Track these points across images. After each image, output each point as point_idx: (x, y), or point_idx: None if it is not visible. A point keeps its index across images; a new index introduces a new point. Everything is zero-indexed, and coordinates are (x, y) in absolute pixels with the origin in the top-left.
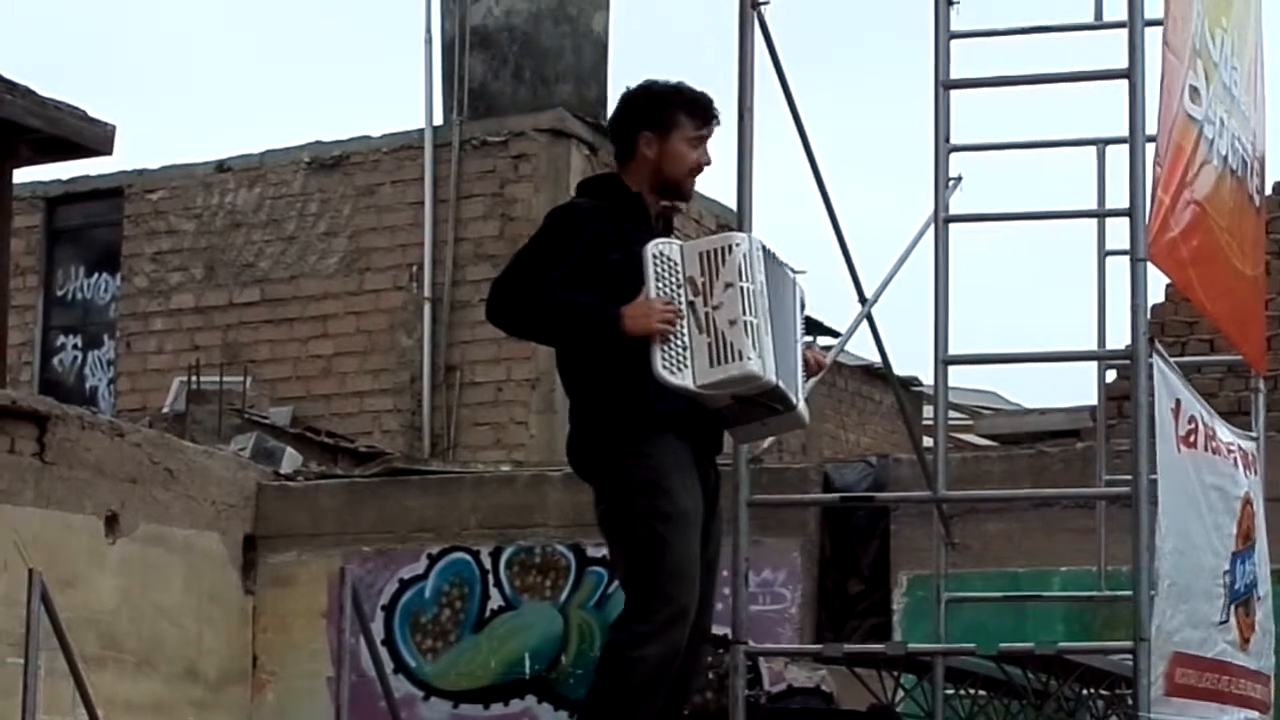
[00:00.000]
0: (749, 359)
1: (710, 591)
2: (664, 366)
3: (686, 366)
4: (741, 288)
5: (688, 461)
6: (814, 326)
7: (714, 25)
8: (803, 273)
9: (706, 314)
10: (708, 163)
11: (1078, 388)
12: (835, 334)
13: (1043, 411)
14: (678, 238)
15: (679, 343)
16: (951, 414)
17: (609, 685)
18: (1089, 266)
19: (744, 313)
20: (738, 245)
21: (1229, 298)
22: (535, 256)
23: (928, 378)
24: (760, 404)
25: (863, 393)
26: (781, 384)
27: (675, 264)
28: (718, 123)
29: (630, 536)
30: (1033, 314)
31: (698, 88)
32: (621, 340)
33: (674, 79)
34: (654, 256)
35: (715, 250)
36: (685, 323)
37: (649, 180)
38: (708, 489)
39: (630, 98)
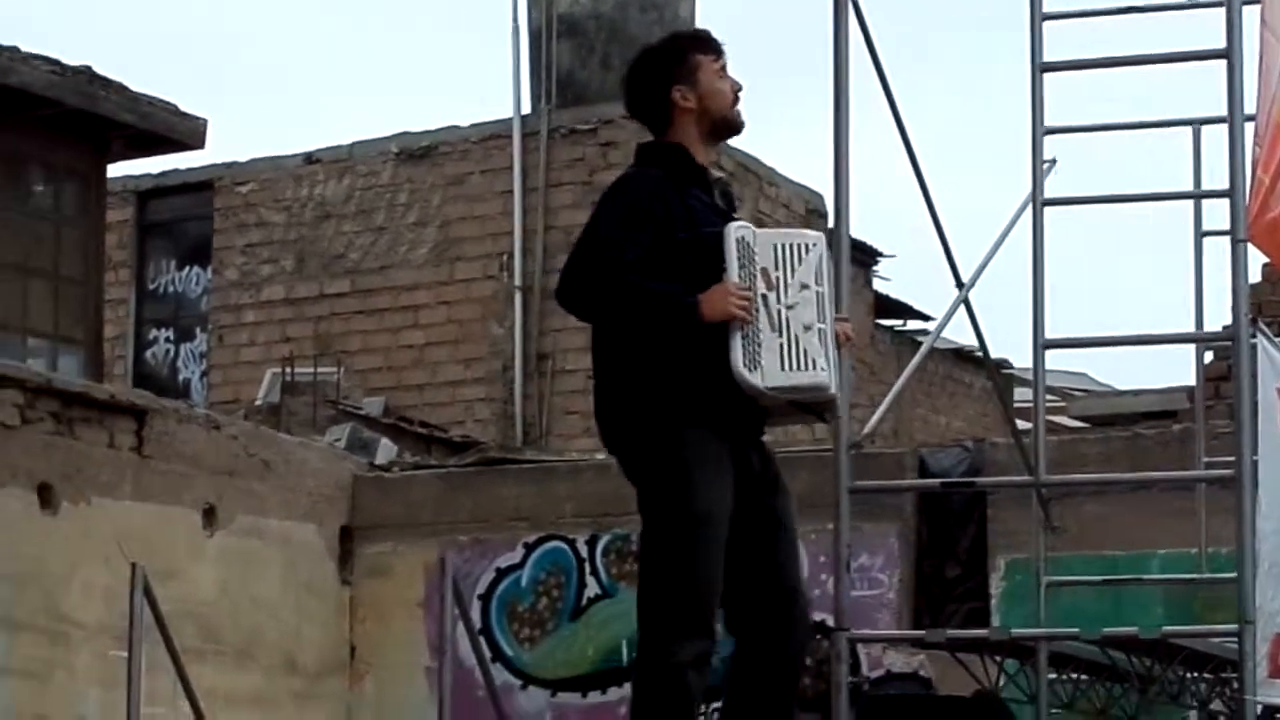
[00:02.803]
0: (822, 370)
1: (793, 564)
2: (744, 363)
3: (760, 365)
4: (817, 292)
5: (720, 455)
6: (906, 311)
7: (800, 10)
8: (892, 256)
9: (779, 312)
10: (741, 87)
11: (1170, 368)
12: (926, 318)
13: (1136, 393)
14: (760, 224)
15: (754, 338)
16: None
17: (648, 697)
18: (1180, 248)
19: (819, 319)
20: (814, 246)
21: None
22: (609, 239)
23: (1020, 361)
24: (810, 409)
25: (954, 376)
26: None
27: (753, 251)
28: (725, 50)
29: (651, 533)
30: (1123, 296)
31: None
32: (698, 328)
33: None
34: (737, 241)
35: (792, 246)
36: (759, 317)
37: (699, 131)
38: (751, 475)
39: (641, 69)
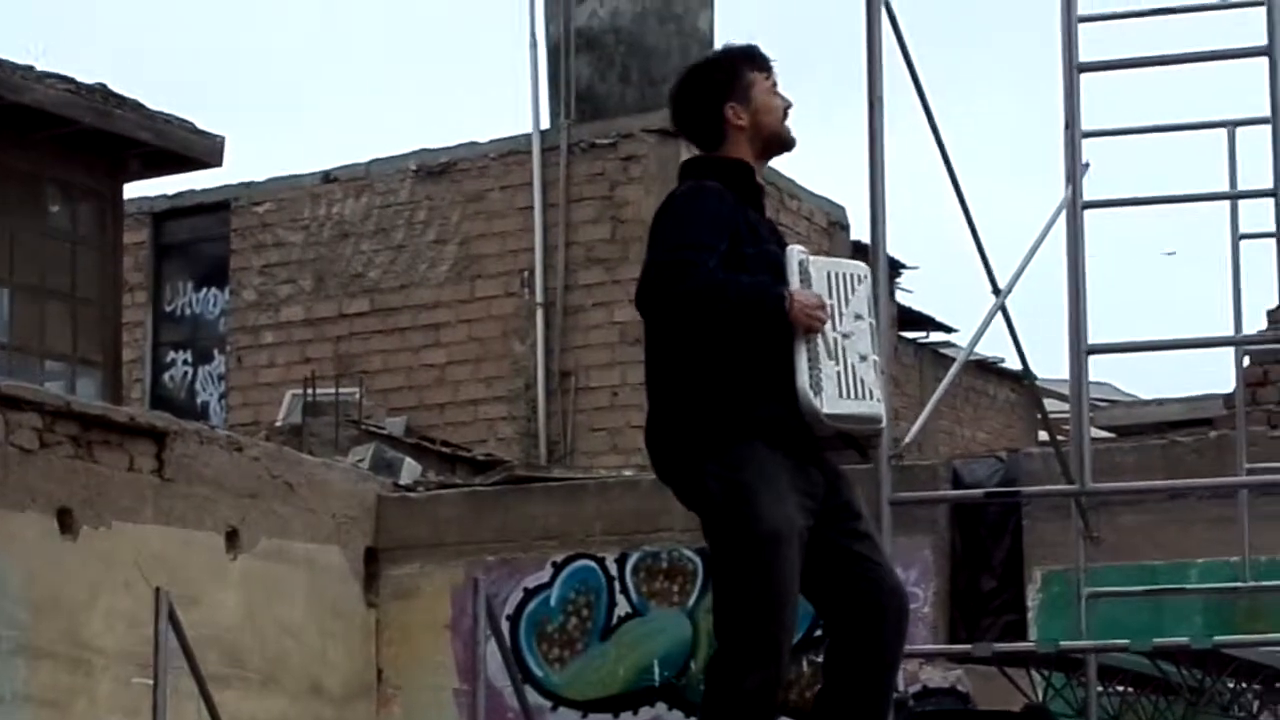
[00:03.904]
0: (878, 400)
1: (878, 555)
2: (810, 384)
3: (821, 390)
4: (870, 323)
5: (779, 469)
6: (928, 323)
7: (818, 21)
8: (915, 268)
9: (835, 340)
10: (791, 104)
11: (1194, 376)
12: (949, 329)
13: (1160, 402)
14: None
15: (816, 362)
16: (1065, 408)
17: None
18: (1203, 253)
19: (873, 350)
20: (864, 278)
21: None
22: (695, 242)
23: (1046, 370)
24: (854, 442)
25: (977, 387)
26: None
27: (810, 276)
28: (775, 66)
29: (720, 560)
30: (1143, 303)
31: (735, 43)
32: (780, 326)
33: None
34: (800, 263)
35: (846, 275)
36: (818, 343)
37: (751, 149)
38: (815, 488)
39: (691, 84)
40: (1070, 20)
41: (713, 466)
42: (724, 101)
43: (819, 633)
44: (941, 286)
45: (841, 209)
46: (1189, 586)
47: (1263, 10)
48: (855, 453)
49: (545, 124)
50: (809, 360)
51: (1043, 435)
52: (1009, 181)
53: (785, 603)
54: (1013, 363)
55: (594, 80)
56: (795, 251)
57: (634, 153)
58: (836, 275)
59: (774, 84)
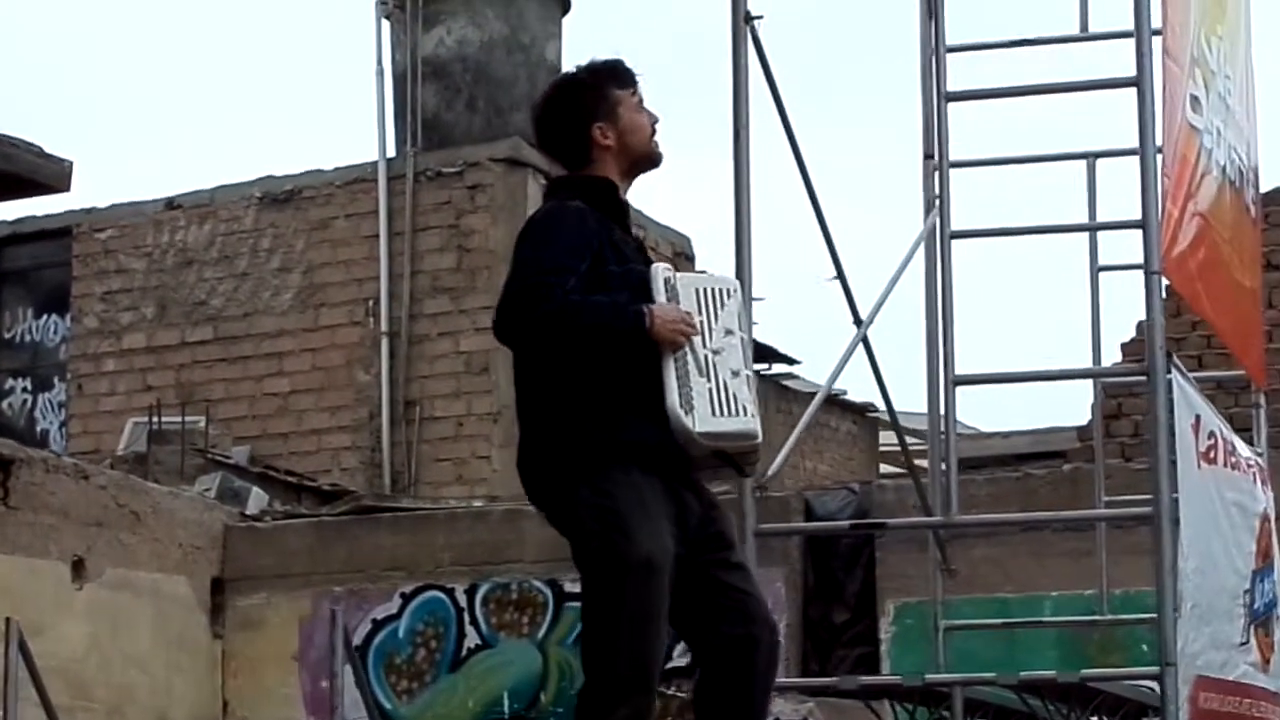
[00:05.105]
0: (753, 416)
1: (750, 587)
2: (680, 404)
3: (693, 408)
4: (741, 338)
5: (653, 495)
6: (771, 354)
7: (664, 52)
8: (760, 300)
9: (706, 357)
10: (658, 119)
11: (1033, 409)
12: (792, 361)
13: (1006, 434)
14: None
15: (685, 380)
16: (914, 440)
17: None
18: (1055, 283)
19: (745, 365)
20: (734, 292)
21: (1232, 311)
22: (552, 267)
23: (900, 402)
24: (731, 460)
25: (820, 420)
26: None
27: (677, 293)
28: (640, 81)
29: (589, 587)
30: (986, 335)
31: (599, 58)
32: (643, 343)
33: (570, 71)
34: (665, 280)
35: (715, 290)
36: (687, 360)
37: (619, 169)
38: (689, 515)
39: (557, 104)
40: (938, 50)
41: (585, 493)
42: (591, 122)
43: (671, 664)
44: (781, 318)
45: (686, 239)
46: (1047, 619)
47: (1131, 42)
48: (734, 470)
49: (391, 152)
50: (678, 378)
51: (885, 467)
52: (856, 211)
53: (655, 632)
54: (856, 395)
55: (440, 109)
56: (660, 269)
57: (480, 181)
58: (705, 291)
59: (640, 100)
